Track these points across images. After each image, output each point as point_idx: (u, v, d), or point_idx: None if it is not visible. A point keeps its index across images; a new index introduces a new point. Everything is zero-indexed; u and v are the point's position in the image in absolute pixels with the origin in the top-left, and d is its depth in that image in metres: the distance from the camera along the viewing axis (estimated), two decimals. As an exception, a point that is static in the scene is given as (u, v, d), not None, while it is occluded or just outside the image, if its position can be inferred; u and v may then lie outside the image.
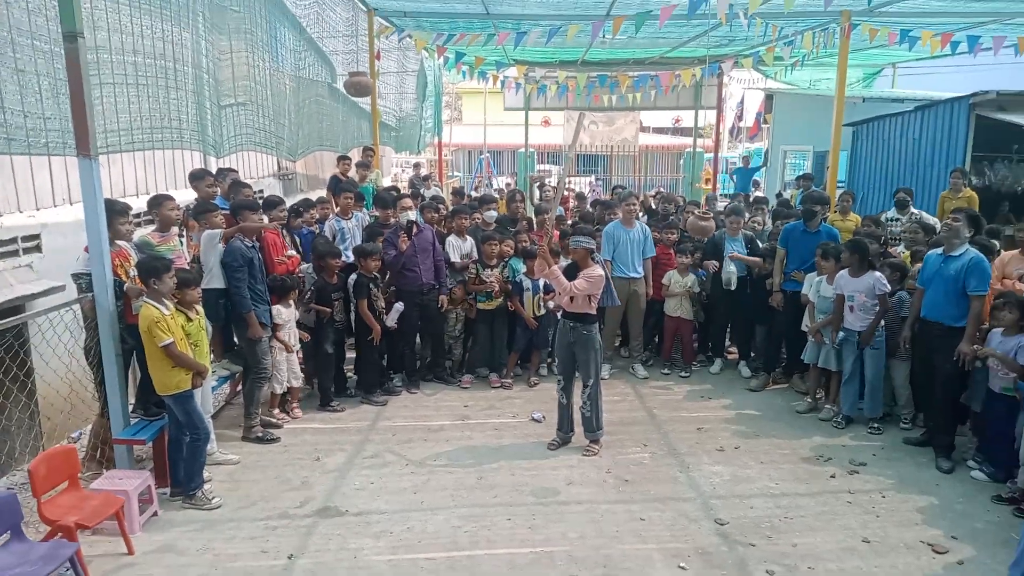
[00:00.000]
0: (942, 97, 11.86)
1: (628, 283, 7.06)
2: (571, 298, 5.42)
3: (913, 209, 8.70)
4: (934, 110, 11.39)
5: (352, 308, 6.58)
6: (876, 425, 6.01)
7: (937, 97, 12.58)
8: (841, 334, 6.03)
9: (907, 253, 6.51)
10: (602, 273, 5.47)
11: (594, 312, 5.54)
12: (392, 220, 7.05)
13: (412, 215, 6.75)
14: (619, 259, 7.12)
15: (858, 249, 5.96)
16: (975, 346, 5.09)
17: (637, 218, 7.58)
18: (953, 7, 9.83)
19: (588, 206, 10.09)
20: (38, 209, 6.10)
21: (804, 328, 6.53)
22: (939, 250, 5.47)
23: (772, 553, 4.28)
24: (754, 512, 4.75)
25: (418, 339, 7.19)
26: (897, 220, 8.52)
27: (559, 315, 5.78)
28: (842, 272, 6.09)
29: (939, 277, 5.37)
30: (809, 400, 6.55)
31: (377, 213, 7.49)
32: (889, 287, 5.92)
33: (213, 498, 4.76)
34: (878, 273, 5.95)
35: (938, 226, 6.97)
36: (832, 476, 5.26)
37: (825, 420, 6.26)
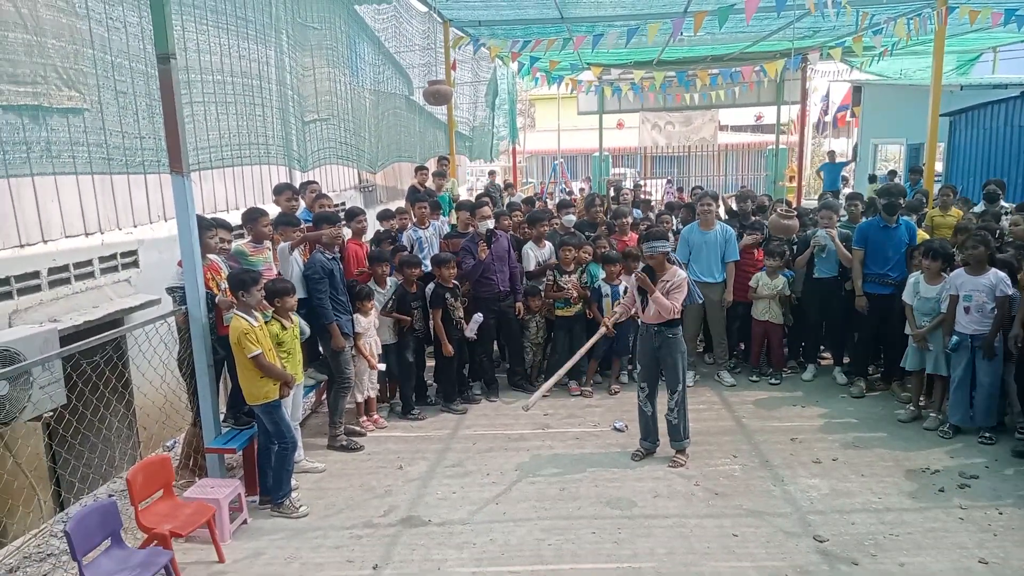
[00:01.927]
0: (1052, 80, 11.04)
1: (705, 289, 6.70)
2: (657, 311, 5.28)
3: (1003, 203, 8.09)
4: (1044, 94, 10.60)
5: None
6: (988, 435, 5.58)
7: (1046, 81, 11.72)
8: (955, 338, 5.61)
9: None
10: (684, 274, 5.34)
11: (679, 316, 5.38)
12: (470, 229, 7.06)
13: (491, 223, 6.72)
14: (695, 263, 6.88)
15: (984, 244, 5.53)
16: None
17: (717, 218, 7.30)
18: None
19: (663, 208, 9.83)
20: (135, 226, 6.40)
21: (907, 333, 6.13)
22: None
23: (877, 572, 4.00)
24: (856, 528, 4.46)
25: (495, 348, 7.16)
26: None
27: (640, 320, 5.61)
28: (958, 271, 5.67)
29: None
30: (912, 408, 6.14)
31: (454, 222, 7.52)
32: (1012, 288, 5.48)
33: (300, 506, 4.83)
34: (1002, 273, 5.51)
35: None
36: (941, 490, 4.89)
37: (930, 430, 5.85)
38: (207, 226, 5.10)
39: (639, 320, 6.63)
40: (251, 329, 4.53)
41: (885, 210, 6.40)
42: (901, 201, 6.52)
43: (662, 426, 5.57)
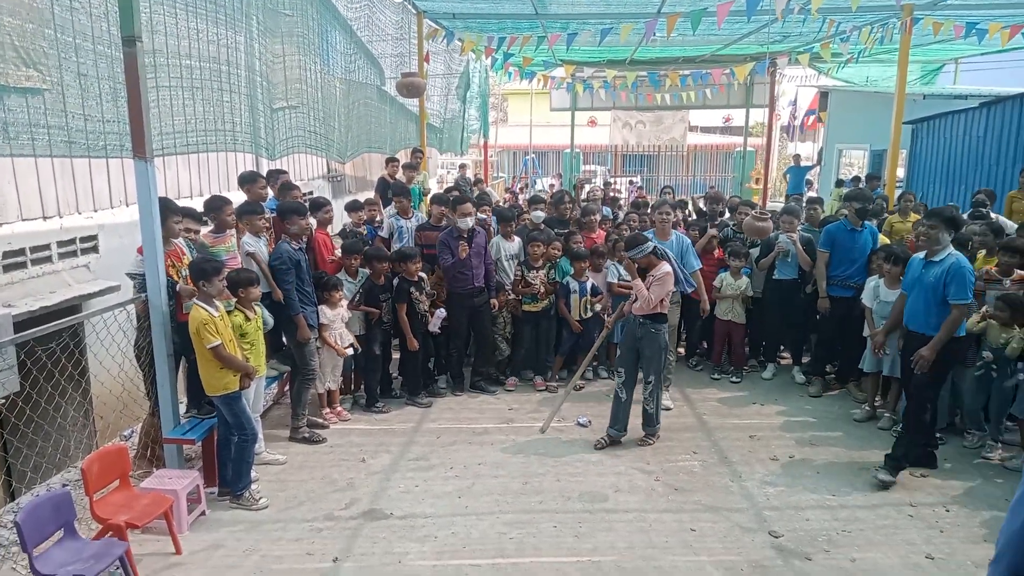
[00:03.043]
0: (1009, 92, 11.35)
1: None
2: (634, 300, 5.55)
3: (993, 214, 8.31)
4: (1001, 106, 10.90)
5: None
6: (939, 435, 5.74)
7: (1004, 93, 12.05)
8: (904, 340, 5.77)
9: (982, 254, 6.21)
10: (668, 269, 5.48)
11: (665, 312, 5.59)
12: (443, 222, 7.02)
13: (471, 221, 6.65)
14: None
15: None
16: None
17: (676, 227, 7.09)
18: (1024, -3, 9.38)
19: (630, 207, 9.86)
20: (96, 210, 6.26)
21: (866, 335, 6.28)
22: (922, 254, 5.13)
23: (830, 568, 4.10)
24: (810, 524, 4.57)
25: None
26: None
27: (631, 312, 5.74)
28: None
29: (919, 284, 5.04)
30: (867, 408, 6.30)
31: (424, 214, 7.49)
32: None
33: (260, 499, 4.79)
34: None
35: (1010, 228, 6.65)
36: (892, 488, 5.03)
37: (884, 429, 6.00)
38: (174, 210, 5.01)
39: (605, 317, 6.74)
40: (211, 319, 4.46)
41: (858, 215, 6.56)
42: (869, 206, 6.68)
43: (634, 419, 5.76)
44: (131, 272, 5.01)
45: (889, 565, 4.12)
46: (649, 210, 8.20)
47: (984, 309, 5.47)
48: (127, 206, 6.79)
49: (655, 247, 5.55)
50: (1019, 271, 5.68)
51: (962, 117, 11.94)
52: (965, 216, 8.25)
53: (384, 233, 7.47)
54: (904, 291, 5.30)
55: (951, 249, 4.97)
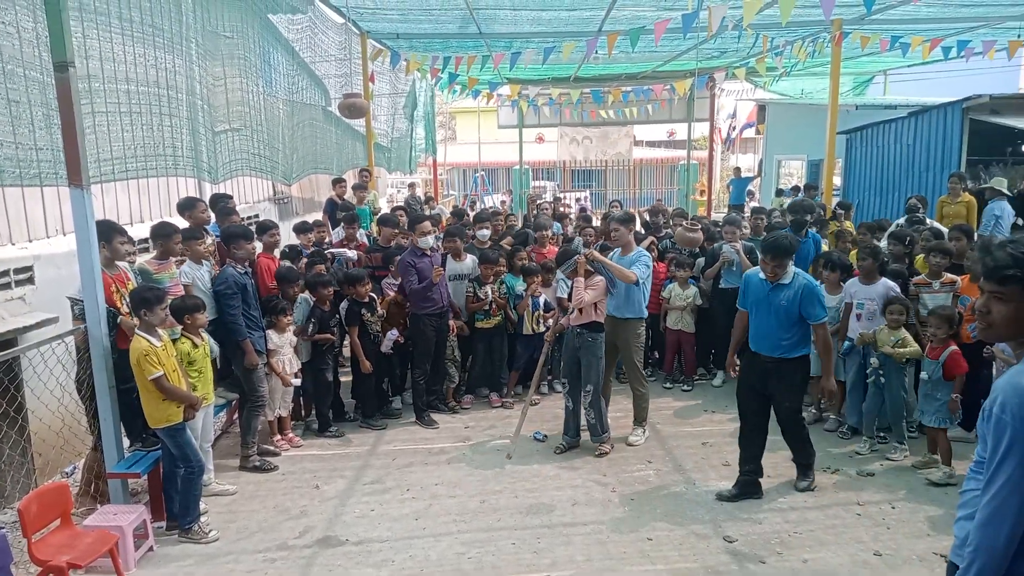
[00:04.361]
0: (935, 103, 11.89)
1: (614, 326, 5.95)
2: (580, 310, 5.64)
3: (929, 220, 8.65)
4: (928, 116, 11.41)
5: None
6: (883, 435, 5.93)
7: (930, 103, 12.62)
8: (847, 343, 5.95)
9: (920, 257, 6.47)
10: (602, 279, 5.65)
11: (601, 321, 5.74)
12: (392, 243, 6.97)
13: (432, 239, 6.60)
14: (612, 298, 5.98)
15: (873, 255, 5.89)
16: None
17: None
18: (942, 13, 9.88)
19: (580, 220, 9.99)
20: (31, 240, 6.05)
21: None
22: (760, 273, 4.86)
23: (783, 570, 4.19)
24: (763, 528, 4.66)
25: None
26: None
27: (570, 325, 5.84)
28: (852, 280, 6.03)
29: (767, 307, 4.79)
30: (814, 411, 6.47)
31: (375, 235, 7.44)
32: (902, 295, 5.86)
33: (210, 531, 4.65)
34: (891, 282, 5.88)
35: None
36: (840, 488, 5.18)
37: (831, 431, 6.17)
38: (119, 231, 4.89)
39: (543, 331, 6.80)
40: (152, 350, 4.34)
41: (793, 226, 6.76)
42: (808, 217, 6.89)
43: (584, 423, 5.92)
44: (73, 297, 4.85)
45: (839, 564, 4.23)
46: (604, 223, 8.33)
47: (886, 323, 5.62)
48: (64, 235, 6.58)
49: (587, 261, 5.66)
50: (948, 274, 5.93)
51: (892, 127, 12.45)
52: (902, 221, 8.61)
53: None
54: (742, 307, 5.08)
55: (796, 270, 4.82)
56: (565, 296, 7.04)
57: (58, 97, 4.35)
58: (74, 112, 4.33)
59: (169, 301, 4.60)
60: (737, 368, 5.42)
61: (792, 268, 4.78)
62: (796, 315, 4.72)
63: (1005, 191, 8.82)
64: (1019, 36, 10.87)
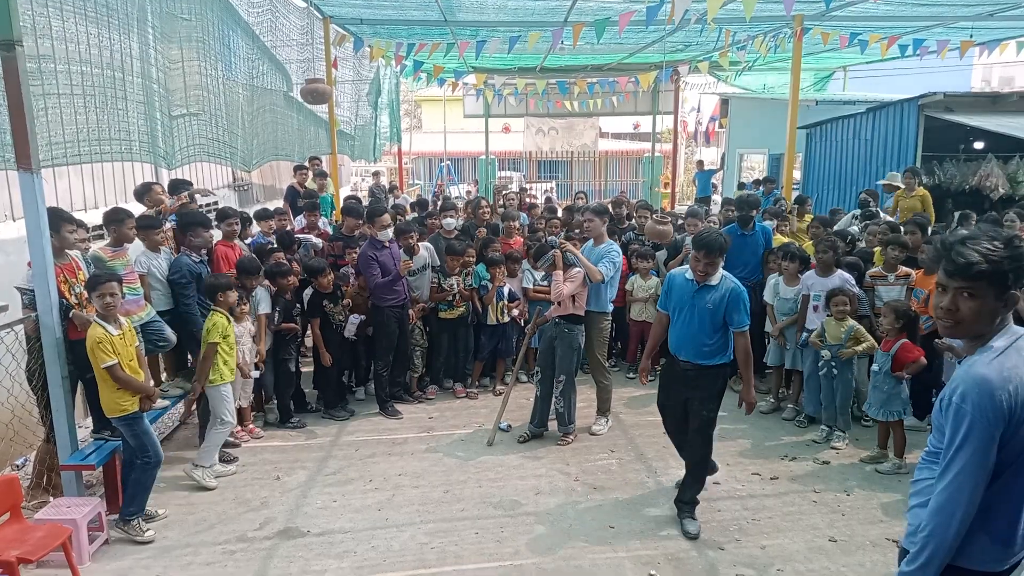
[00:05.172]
0: (892, 99, 12.16)
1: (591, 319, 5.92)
2: (559, 302, 5.67)
3: (882, 212, 8.84)
4: (885, 111, 11.66)
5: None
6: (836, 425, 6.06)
7: (887, 99, 12.90)
8: (805, 334, 6.06)
9: (878, 250, 6.62)
10: (579, 268, 5.63)
11: (581, 313, 5.74)
12: (356, 233, 6.88)
13: (391, 232, 6.52)
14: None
15: (831, 248, 6.00)
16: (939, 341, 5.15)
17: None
18: (899, 11, 10.08)
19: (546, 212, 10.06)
20: (-23, 226, 5.84)
21: (767, 331, 6.57)
22: (687, 273, 4.57)
23: (741, 556, 4.26)
24: (722, 515, 4.74)
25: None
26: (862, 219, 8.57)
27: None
28: (809, 272, 6.13)
29: (691, 309, 4.49)
30: (772, 400, 6.59)
31: (338, 224, 7.35)
32: (857, 288, 5.99)
33: (147, 530, 4.50)
34: (847, 274, 6.00)
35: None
36: (796, 476, 5.28)
37: (788, 420, 6.30)
38: (67, 219, 4.74)
39: (523, 323, 6.82)
40: (106, 337, 4.23)
41: (739, 222, 6.86)
42: (753, 213, 6.99)
43: (552, 413, 5.94)
44: (21, 287, 4.70)
45: (796, 549, 4.32)
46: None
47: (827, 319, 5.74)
48: (13, 220, 6.37)
49: (565, 254, 5.65)
50: (903, 267, 6.07)
51: (851, 122, 12.70)
52: (856, 213, 8.80)
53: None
54: (663, 309, 4.78)
55: (724, 272, 4.54)
56: (530, 287, 7.08)
57: (5, 77, 4.18)
58: (22, 93, 4.18)
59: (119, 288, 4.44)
60: (649, 378, 5.20)
61: (721, 271, 4.51)
62: (720, 320, 4.43)
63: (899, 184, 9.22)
64: (971, 36, 11.18)
